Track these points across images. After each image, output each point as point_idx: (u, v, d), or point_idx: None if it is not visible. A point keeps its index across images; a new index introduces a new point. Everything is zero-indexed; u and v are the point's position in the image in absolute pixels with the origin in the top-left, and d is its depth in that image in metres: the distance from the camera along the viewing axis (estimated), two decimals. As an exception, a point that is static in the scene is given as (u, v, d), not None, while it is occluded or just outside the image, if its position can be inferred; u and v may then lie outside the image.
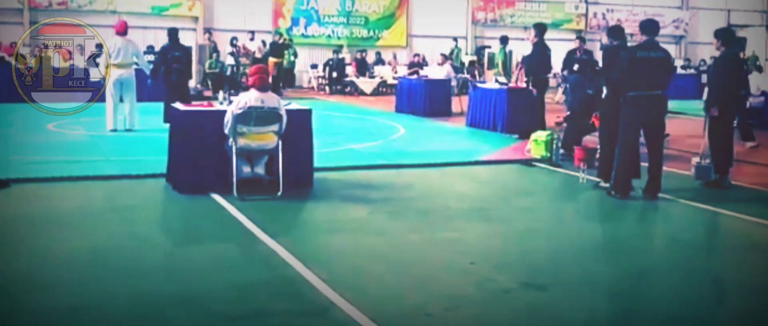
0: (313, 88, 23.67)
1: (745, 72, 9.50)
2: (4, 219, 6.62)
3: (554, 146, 9.85)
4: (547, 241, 6.29)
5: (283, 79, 21.11)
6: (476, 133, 13.04)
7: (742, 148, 11.44)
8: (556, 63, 15.54)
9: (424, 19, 26.01)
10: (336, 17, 25.12)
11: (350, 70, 22.86)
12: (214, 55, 21.06)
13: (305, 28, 24.59)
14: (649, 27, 7.91)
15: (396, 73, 22.11)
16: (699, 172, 8.61)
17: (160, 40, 19.79)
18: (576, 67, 12.28)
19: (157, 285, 4.91)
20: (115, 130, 11.98)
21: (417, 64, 21.82)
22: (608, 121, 8.22)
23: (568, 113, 10.89)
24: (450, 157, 10.26)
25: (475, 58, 25.13)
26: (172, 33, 13.23)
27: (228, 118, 7.33)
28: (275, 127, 7.42)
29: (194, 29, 23.20)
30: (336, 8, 25.05)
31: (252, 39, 22.05)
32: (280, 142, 7.45)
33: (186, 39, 19.14)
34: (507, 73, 17.27)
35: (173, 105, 8.50)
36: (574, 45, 16.68)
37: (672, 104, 17.08)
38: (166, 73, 12.81)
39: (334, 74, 22.57)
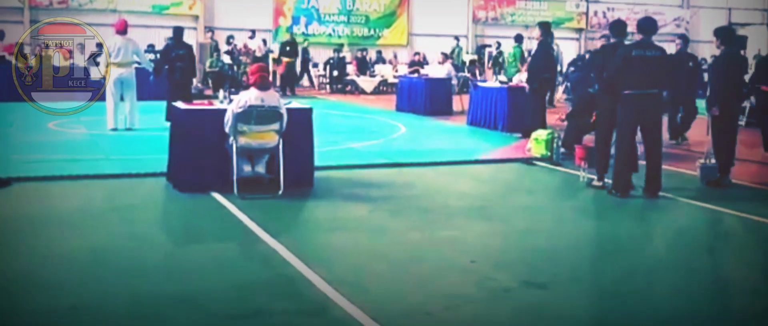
0: (314, 86, 23.68)
1: (743, 71, 9.41)
2: (5, 218, 6.62)
3: (555, 145, 9.85)
4: (548, 240, 6.28)
5: (289, 80, 21.15)
6: (477, 132, 13.03)
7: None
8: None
9: (424, 17, 26.02)
10: (337, 16, 25.14)
11: (351, 68, 22.86)
12: (215, 54, 21.08)
13: (306, 26, 24.60)
14: (646, 26, 7.92)
15: (396, 71, 22.11)
16: (704, 173, 8.58)
17: (161, 38, 19.83)
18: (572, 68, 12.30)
19: (157, 284, 4.91)
20: (115, 129, 11.98)
21: (418, 63, 21.82)
22: (603, 120, 8.23)
23: (569, 112, 10.88)
24: (450, 155, 10.25)
25: (475, 56, 25.14)
26: (177, 32, 13.23)
27: (228, 117, 7.32)
28: (276, 126, 7.42)
29: (195, 28, 23.21)
30: (337, 7, 25.06)
31: (252, 37, 22.07)
32: (281, 141, 7.45)
33: (186, 38, 19.15)
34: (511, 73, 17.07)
35: (174, 104, 8.51)
36: (575, 44, 16.69)
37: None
38: (170, 72, 12.82)
39: (335, 73, 22.58)
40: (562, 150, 9.89)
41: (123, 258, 5.43)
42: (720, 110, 8.43)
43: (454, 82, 18.24)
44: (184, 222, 6.85)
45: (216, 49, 20.76)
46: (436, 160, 9.86)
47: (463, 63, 23.79)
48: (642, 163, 8.03)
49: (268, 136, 7.43)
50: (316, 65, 23.99)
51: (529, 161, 9.87)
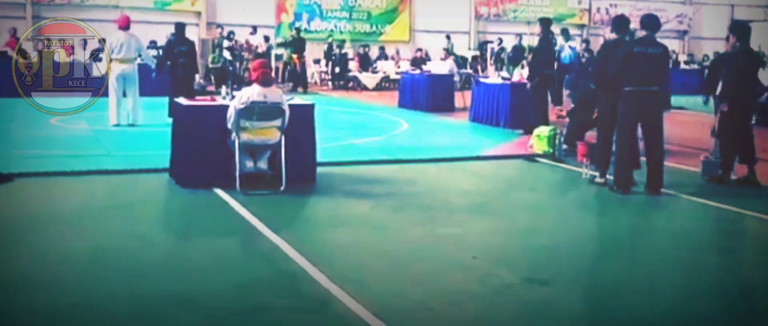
0: (315, 83, 23.68)
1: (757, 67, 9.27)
2: (6, 214, 6.62)
3: (557, 141, 9.84)
4: (550, 237, 6.28)
5: (293, 79, 21.23)
6: (479, 128, 13.03)
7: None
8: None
9: (427, 14, 25.98)
10: (338, 12, 25.11)
11: (353, 65, 22.85)
12: (217, 50, 21.09)
13: (308, 22, 24.59)
14: (650, 22, 7.91)
15: (399, 68, 22.10)
16: (706, 168, 8.56)
17: (163, 34, 19.82)
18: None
19: (158, 280, 4.91)
20: (118, 125, 11.99)
21: (420, 60, 21.80)
22: (604, 117, 8.22)
23: (571, 108, 10.87)
24: (452, 152, 10.25)
25: (477, 53, 25.12)
26: (179, 27, 13.23)
27: (231, 113, 7.33)
28: (278, 122, 7.42)
29: (197, 24, 23.21)
30: (338, 3, 25.04)
31: (253, 33, 22.06)
32: (283, 137, 7.45)
33: (189, 34, 19.14)
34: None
35: (176, 100, 8.51)
36: (577, 40, 16.66)
37: (674, 100, 17.23)
38: (172, 68, 12.82)
39: (337, 69, 22.57)
40: (564, 146, 9.88)
41: (124, 255, 5.43)
42: (731, 107, 8.34)
43: (457, 78, 18.23)
44: (186, 218, 6.86)
45: (219, 45, 20.77)
46: (438, 156, 9.86)
47: (463, 59, 23.76)
48: (644, 159, 8.02)
49: (271, 132, 7.43)
50: (317, 61, 23.99)
51: (531, 158, 9.87)
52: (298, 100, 8.58)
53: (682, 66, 25.66)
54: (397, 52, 24.82)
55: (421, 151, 10.31)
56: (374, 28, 25.63)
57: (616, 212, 7.32)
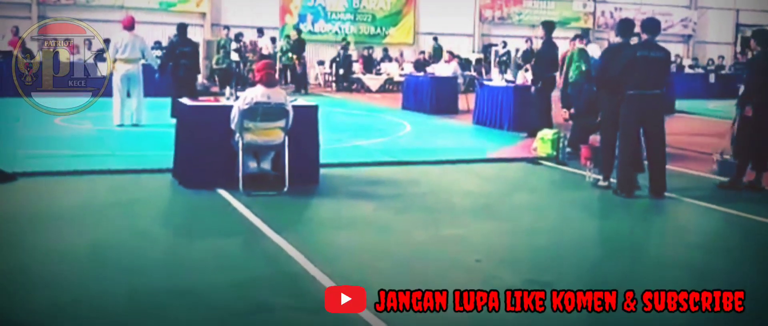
0: (319, 84, 23.69)
1: None
2: (10, 213, 6.63)
3: (560, 144, 9.83)
4: (553, 239, 6.27)
5: (295, 80, 21.31)
6: (482, 131, 13.02)
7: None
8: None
9: (431, 16, 25.98)
10: (343, 14, 25.12)
11: (357, 67, 22.86)
12: (222, 51, 21.11)
13: (312, 24, 24.60)
14: (651, 26, 7.91)
15: (402, 70, 22.11)
16: (722, 168, 8.49)
17: (168, 35, 19.84)
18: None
19: (160, 279, 4.91)
20: (122, 125, 12.00)
21: (423, 62, 21.80)
22: (607, 121, 8.21)
23: (575, 112, 10.85)
24: (456, 154, 10.24)
25: (481, 55, 25.11)
26: (181, 28, 13.24)
27: (234, 114, 7.33)
28: (281, 123, 7.42)
29: (201, 25, 23.24)
30: (343, 5, 25.05)
31: (260, 35, 22.11)
32: (287, 138, 7.45)
33: (194, 35, 19.17)
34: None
35: (180, 100, 8.51)
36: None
37: (678, 103, 17.20)
38: (174, 68, 12.83)
39: (341, 71, 22.59)
40: (567, 149, 9.87)
41: (127, 254, 5.44)
42: (755, 110, 8.21)
43: (460, 80, 18.23)
44: (189, 218, 6.86)
45: (224, 46, 20.82)
46: (442, 158, 9.85)
47: (467, 61, 23.75)
48: (646, 163, 8.00)
49: (274, 133, 7.43)
50: (321, 63, 24.00)
51: (534, 160, 9.86)
52: (302, 101, 8.57)
53: (687, 70, 25.61)
54: (401, 54, 24.83)
55: (425, 153, 10.31)
56: (378, 31, 25.63)
57: (618, 215, 7.31)
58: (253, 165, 7.52)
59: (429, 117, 15.15)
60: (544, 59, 12.17)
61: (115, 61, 12.09)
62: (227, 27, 21.76)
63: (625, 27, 8.54)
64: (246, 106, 7.25)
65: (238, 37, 21.18)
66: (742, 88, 8.55)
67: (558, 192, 8.45)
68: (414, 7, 25.93)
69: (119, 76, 12.03)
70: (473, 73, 21.82)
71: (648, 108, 7.74)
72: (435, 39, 24.77)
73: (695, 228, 7.08)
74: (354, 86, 22.19)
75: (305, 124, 7.84)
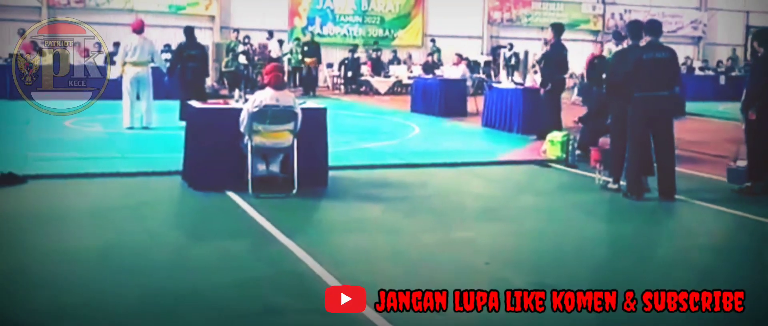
0: (328, 87, 23.71)
1: None
2: (20, 215, 6.66)
3: (570, 147, 9.80)
4: (562, 242, 6.25)
5: (305, 82, 21.35)
6: (491, 133, 13.00)
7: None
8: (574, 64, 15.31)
9: (439, 18, 25.96)
10: (351, 16, 25.13)
11: (365, 69, 22.88)
12: (231, 54, 21.17)
13: (321, 27, 24.62)
14: (654, 27, 7.90)
15: (411, 72, 22.11)
16: (732, 176, 8.40)
17: (177, 39, 19.90)
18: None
19: (169, 281, 4.92)
20: (131, 128, 12.04)
21: (432, 65, 21.78)
22: (617, 123, 8.18)
23: (584, 114, 10.82)
24: (465, 156, 10.22)
25: (490, 58, 25.07)
26: (188, 31, 13.27)
27: (244, 116, 7.34)
28: (290, 126, 7.43)
29: (211, 28, 23.30)
30: (351, 8, 25.06)
31: (269, 38, 22.15)
32: (295, 141, 7.45)
33: (203, 38, 19.23)
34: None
35: (189, 103, 8.53)
36: (592, 46, 16.55)
37: (689, 106, 17.12)
38: (182, 71, 12.86)
39: (350, 73, 22.61)
40: (577, 152, 9.84)
41: (136, 256, 5.45)
42: (758, 114, 8.11)
43: (469, 83, 18.21)
44: (198, 221, 6.87)
45: (232, 48, 20.88)
46: (451, 160, 9.84)
47: (476, 64, 23.72)
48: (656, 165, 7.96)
49: (283, 136, 7.44)
50: (330, 66, 24.03)
51: (544, 163, 9.83)
52: (311, 103, 8.58)
53: (697, 72, 25.51)
54: (410, 57, 24.82)
55: (434, 156, 10.29)
56: (387, 33, 25.64)
57: (628, 218, 7.28)
58: (262, 167, 7.52)
59: (438, 119, 15.14)
60: (553, 61, 12.14)
61: (124, 64, 12.14)
62: (237, 30, 21.82)
63: (634, 29, 8.50)
64: (255, 109, 7.26)
65: (246, 40, 21.23)
66: (744, 93, 8.43)
67: (567, 195, 8.42)
68: (422, 10, 25.92)
69: (129, 79, 12.07)
70: (482, 75, 21.80)
71: (656, 109, 7.71)
72: (433, 40, 24.79)
73: (704, 230, 7.04)
74: (362, 88, 22.20)
75: (314, 126, 7.85)
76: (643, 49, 7.85)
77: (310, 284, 4.92)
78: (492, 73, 22.92)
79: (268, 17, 23.61)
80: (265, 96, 7.34)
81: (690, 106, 17.54)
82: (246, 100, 7.68)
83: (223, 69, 20.91)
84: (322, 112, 8.14)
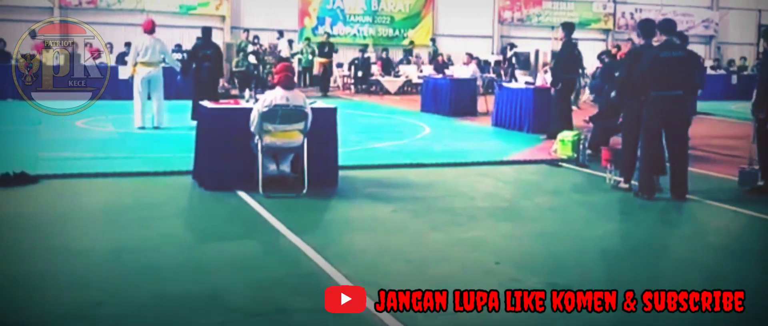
0: (338, 87, 23.73)
1: None
2: (33, 214, 6.70)
3: (581, 146, 9.77)
4: (573, 242, 6.23)
5: (323, 81, 21.50)
6: (502, 133, 12.98)
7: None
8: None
9: (450, 18, 25.93)
10: (361, 16, 25.14)
11: (375, 69, 22.89)
12: (241, 54, 21.21)
13: (331, 27, 24.64)
14: (668, 26, 7.85)
15: (421, 72, 22.10)
16: (743, 178, 8.30)
17: (188, 38, 19.97)
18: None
19: (180, 281, 4.93)
20: (143, 128, 12.09)
21: (442, 64, 21.76)
22: (629, 123, 8.15)
23: (596, 113, 10.79)
24: (475, 156, 10.21)
25: (500, 57, 25.02)
26: (205, 31, 13.33)
27: (254, 116, 7.36)
28: (300, 125, 7.44)
29: (221, 28, 23.35)
30: (362, 7, 25.07)
31: (280, 38, 22.19)
32: (306, 140, 7.46)
33: (213, 38, 19.21)
34: None
35: (200, 103, 8.56)
36: (602, 45, 16.52)
37: (700, 105, 17.04)
38: (197, 71, 12.90)
39: (360, 73, 22.63)
40: (588, 151, 9.81)
41: (147, 256, 5.47)
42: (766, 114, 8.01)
43: (479, 82, 18.19)
44: (208, 220, 6.89)
45: (243, 49, 20.93)
46: (461, 160, 9.83)
47: (486, 63, 23.69)
48: (668, 165, 7.93)
49: (293, 135, 7.45)
50: (340, 65, 24.06)
51: (554, 162, 9.81)
52: (321, 103, 8.59)
53: (709, 71, 25.37)
54: (418, 57, 24.81)
55: (444, 155, 10.28)
56: (397, 33, 25.63)
57: (639, 218, 7.25)
58: (272, 167, 7.54)
59: (448, 119, 15.12)
60: (563, 61, 12.11)
61: (136, 64, 12.19)
62: (247, 30, 21.86)
63: (647, 28, 8.45)
64: (265, 109, 7.28)
65: (256, 40, 21.29)
66: (755, 93, 8.31)
67: (578, 195, 8.39)
68: (433, 9, 25.90)
69: (140, 79, 12.12)
70: (492, 75, 21.76)
71: (671, 109, 7.66)
72: (433, 40, 24.75)
73: (716, 230, 7.01)
74: (373, 88, 22.21)
75: (324, 126, 7.86)
76: (659, 48, 7.79)
77: (320, 283, 4.91)
78: (502, 73, 22.87)
79: (278, 17, 23.67)
80: (275, 96, 7.35)
81: (701, 106, 17.44)
82: (256, 100, 7.70)
83: (234, 69, 20.97)
84: (333, 111, 8.15)
